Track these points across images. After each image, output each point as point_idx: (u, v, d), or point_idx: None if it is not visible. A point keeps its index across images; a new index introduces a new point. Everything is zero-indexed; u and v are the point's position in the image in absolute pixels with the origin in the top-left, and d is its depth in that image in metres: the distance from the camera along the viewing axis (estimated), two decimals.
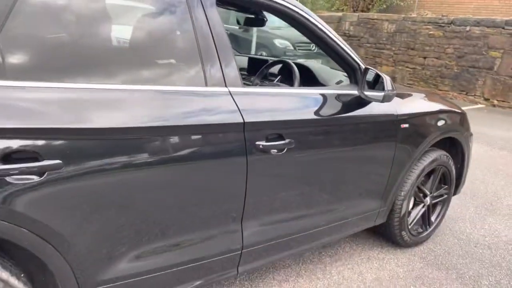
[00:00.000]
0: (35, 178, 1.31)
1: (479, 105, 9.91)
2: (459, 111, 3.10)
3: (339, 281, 2.57)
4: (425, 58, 11.30)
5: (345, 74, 2.47)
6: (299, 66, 2.61)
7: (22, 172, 1.28)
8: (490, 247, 3.16)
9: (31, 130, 1.30)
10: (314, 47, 10.20)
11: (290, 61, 2.61)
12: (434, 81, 11.03)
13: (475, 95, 10.21)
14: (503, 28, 9.80)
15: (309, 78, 2.62)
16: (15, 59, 1.36)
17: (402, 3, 14.90)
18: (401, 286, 2.58)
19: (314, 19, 2.13)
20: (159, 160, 1.57)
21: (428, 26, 11.18)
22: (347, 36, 12.67)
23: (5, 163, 1.25)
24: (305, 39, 9.24)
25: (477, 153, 5.69)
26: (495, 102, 9.91)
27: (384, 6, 15.38)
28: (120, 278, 1.60)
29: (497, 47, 9.90)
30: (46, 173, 1.32)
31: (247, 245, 1.97)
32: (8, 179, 1.26)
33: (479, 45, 10.23)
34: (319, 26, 2.15)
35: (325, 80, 2.63)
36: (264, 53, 9.73)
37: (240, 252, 1.96)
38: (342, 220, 2.42)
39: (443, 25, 10.93)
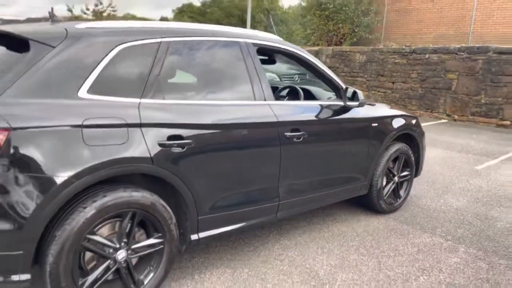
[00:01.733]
0: (180, 149, 2.49)
1: (443, 120, 11.41)
2: (413, 115, 4.40)
3: (339, 232, 3.74)
4: (393, 83, 12.88)
5: (333, 93, 3.74)
6: (302, 89, 3.87)
7: (177, 145, 2.46)
8: (444, 212, 4.40)
9: (178, 124, 2.49)
10: (297, 78, 11.60)
11: (296, 86, 3.87)
12: (403, 102, 12.55)
13: (438, 112, 11.73)
14: (457, 53, 11.46)
15: (309, 96, 3.88)
16: (165, 87, 2.56)
17: (370, 36, 16.66)
18: (381, 233, 3.77)
19: (312, 58, 3.43)
20: (237, 142, 2.79)
21: (394, 56, 12.82)
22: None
23: (169, 140, 2.43)
24: (288, 72, 10.69)
25: (439, 155, 7.03)
26: (456, 117, 11.43)
27: (355, 39, 17.13)
28: (215, 211, 2.76)
29: (453, 70, 11.52)
30: (186, 147, 2.51)
31: (282, 199, 3.15)
32: (170, 149, 2.44)
33: (438, 69, 11.84)
34: (316, 63, 3.45)
35: (320, 97, 3.89)
36: None
37: (278, 203, 3.14)
38: (340, 187, 3.63)
39: (406, 54, 12.58)
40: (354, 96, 3.54)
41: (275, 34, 4.19)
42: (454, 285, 2.95)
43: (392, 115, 4.06)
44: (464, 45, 11.81)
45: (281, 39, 3.43)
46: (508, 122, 10.68)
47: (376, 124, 3.81)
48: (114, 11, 27.77)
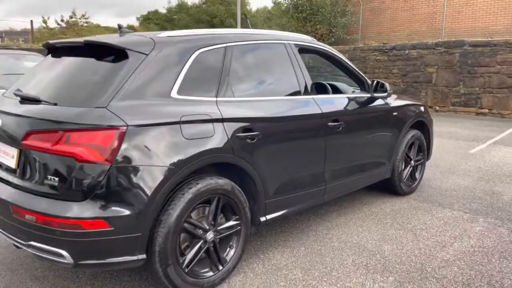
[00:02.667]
0: (251, 140, 2.80)
1: None
2: (422, 103, 4.85)
3: (370, 213, 4.12)
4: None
5: (356, 86, 4.13)
6: (329, 84, 4.24)
7: (249, 137, 2.77)
8: (455, 190, 4.86)
9: (249, 118, 2.81)
10: None
11: (324, 82, 4.24)
12: None
13: None
14: (434, 48, 12.14)
15: (336, 90, 4.26)
16: (233, 85, 2.87)
17: (348, 37, 17.30)
18: (408, 211, 4.17)
19: (341, 55, 3.80)
20: (293, 133, 3.12)
21: (374, 53, 13.43)
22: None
23: (243, 132, 2.74)
24: None
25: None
26: (437, 108, 12.11)
27: (333, 40, 17.74)
28: (278, 195, 3.07)
29: (432, 64, 12.20)
30: (256, 138, 2.82)
31: (327, 183, 3.50)
32: (245, 140, 2.75)
33: (417, 64, 12.50)
34: (344, 59, 3.83)
35: (345, 91, 4.28)
36: None
37: (324, 187, 3.48)
38: (370, 171, 4.02)
39: (386, 51, 13.20)
40: (376, 88, 3.95)
41: None
42: (484, 247, 3.37)
43: (407, 104, 4.49)
44: (440, 40, 12.51)
45: (314, 39, 3.79)
46: (486, 110, 11.42)
47: (396, 113, 4.22)
48: (87, 22, 27.62)
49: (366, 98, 3.91)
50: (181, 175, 2.41)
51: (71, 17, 24.64)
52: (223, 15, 45.87)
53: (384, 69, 13.21)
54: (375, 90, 3.97)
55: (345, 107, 3.67)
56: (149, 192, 2.28)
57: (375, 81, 3.91)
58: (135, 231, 2.28)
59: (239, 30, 3.19)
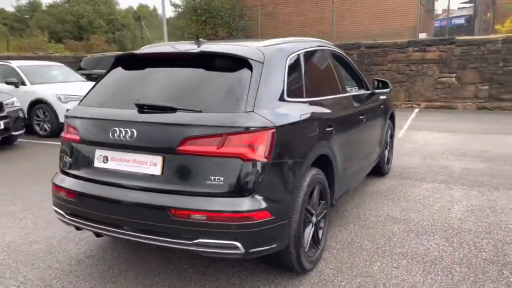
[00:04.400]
0: (331, 134, 3.24)
1: None
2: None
3: (372, 192, 4.82)
4: None
5: (355, 85, 4.81)
6: None
7: (330, 132, 3.20)
8: (415, 167, 5.87)
9: (327, 115, 3.24)
10: None
11: None
12: None
13: None
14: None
15: None
16: (311, 88, 3.25)
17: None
18: (399, 187, 4.98)
19: (351, 60, 4.43)
20: (347, 126, 3.64)
21: None
22: None
23: (328, 127, 3.17)
24: None
25: None
26: None
27: None
28: (342, 177, 3.55)
29: None
30: (333, 132, 3.26)
31: (361, 167, 4.10)
32: (329, 134, 3.18)
33: None
34: (351, 61, 4.46)
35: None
36: None
37: (360, 171, 4.07)
38: (374, 156, 4.73)
39: None
40: (381, 86, 4.70)
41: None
42: (475, 205, 4.30)
43: (386, 98, 5.33)
44: (341, 42, 14.05)
45: (331, 43, 4.35)
46: None
47: (383, 106, 5.01)
48: None
49: (370, 94, 4.61)
50: (308, 167, 2.76)
51: None
52: (91, 15, 43.30)
53: None
54: (378, 87, 4.71)
55: (364, 103, 4.31)
56: (292, 183, 2.59)
57: (382, 81, 4.66)
58: (286, 218, 2.56)
59: (297, 39, 3.57)
